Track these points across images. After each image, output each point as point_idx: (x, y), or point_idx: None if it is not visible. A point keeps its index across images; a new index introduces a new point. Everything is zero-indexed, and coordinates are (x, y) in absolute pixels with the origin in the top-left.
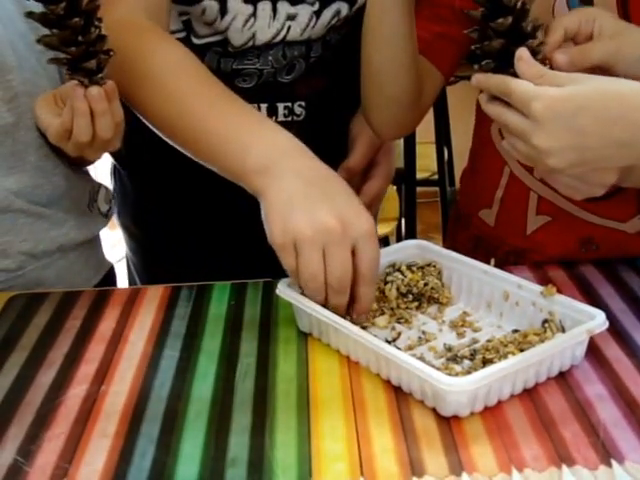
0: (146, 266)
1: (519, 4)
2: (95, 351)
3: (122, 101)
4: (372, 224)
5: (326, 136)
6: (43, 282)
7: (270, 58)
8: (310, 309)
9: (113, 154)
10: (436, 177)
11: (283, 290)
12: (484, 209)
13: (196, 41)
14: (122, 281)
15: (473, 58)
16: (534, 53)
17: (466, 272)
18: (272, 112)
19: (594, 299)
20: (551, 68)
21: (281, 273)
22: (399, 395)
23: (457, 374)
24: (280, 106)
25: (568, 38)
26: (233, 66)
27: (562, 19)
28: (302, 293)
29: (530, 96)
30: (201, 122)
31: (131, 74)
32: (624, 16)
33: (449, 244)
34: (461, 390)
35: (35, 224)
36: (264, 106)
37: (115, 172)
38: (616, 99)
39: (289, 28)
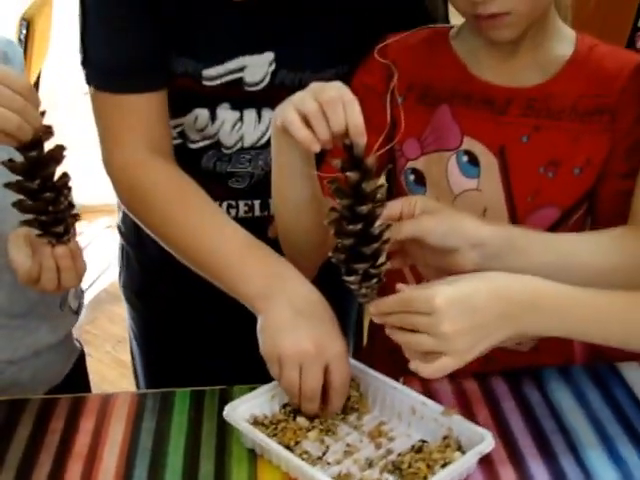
0: (146, 340)
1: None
2: (74, 471)
3: None
4: (343, 347)
5: None
6: (19, 382)
7: (261, 162)
8: (251, 433)
9: (122, 234)
10: None
11: (229, 414)
12: None
13: (192, 146)
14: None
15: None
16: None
17: (380, 387)
18: (264, 207)
19: (497, 414)
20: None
21: (268, 379)
22: None
23: None
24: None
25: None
26: (227, 169)
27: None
28: None
29: (430, 294)
30: (208, 249)
31: (142, 206)
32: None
33: (367, 355)
34: None
35: (12, 334)
36: (257, 202)
37: (123, 250)
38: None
39: None
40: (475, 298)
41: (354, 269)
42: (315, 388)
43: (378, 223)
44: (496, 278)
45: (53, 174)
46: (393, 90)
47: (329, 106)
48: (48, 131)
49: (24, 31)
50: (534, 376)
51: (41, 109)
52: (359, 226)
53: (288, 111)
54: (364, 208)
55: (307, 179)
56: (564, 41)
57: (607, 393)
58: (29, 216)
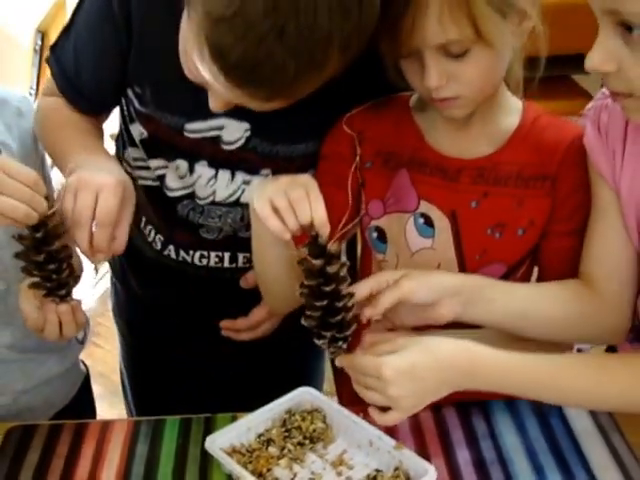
0: (134, 367)
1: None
2: None
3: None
4: (112, 180)
5: None
6: (32, 407)
7: (229, 220)
8: (228, 463)
9: (111, 268)
10: None
11: (210, 446)
12: None
13: (169, 194)
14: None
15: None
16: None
17: (343, 419)
18: (233, 260)
19: (446, 444)
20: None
21: (249, 408)
22: None
23: None
24: (240, 255)
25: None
26: (199, 220)
27: (362, 285)
28: None
29: (379, 364)
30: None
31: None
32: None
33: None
34: None
35: (25, 367)
36: (227, 254)
37: (112, 282)
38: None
39: (244, 190)
40: (418, 368)
41: (322, 335)
42: (79, 212)
43: (343, 294)
44: (438, 347)
45: (57, 250)
46: (356, 167)
47: (297, 203)
48: (52, 214)
49: (39, 42)
50: (483, 408)
51: (45, 194)
52: (325, 302)
53: (263, 203)
54: (328, 288)
55: (285, 252)
56: (511, 113)
57: (545, 424)
58: (36, 279)
